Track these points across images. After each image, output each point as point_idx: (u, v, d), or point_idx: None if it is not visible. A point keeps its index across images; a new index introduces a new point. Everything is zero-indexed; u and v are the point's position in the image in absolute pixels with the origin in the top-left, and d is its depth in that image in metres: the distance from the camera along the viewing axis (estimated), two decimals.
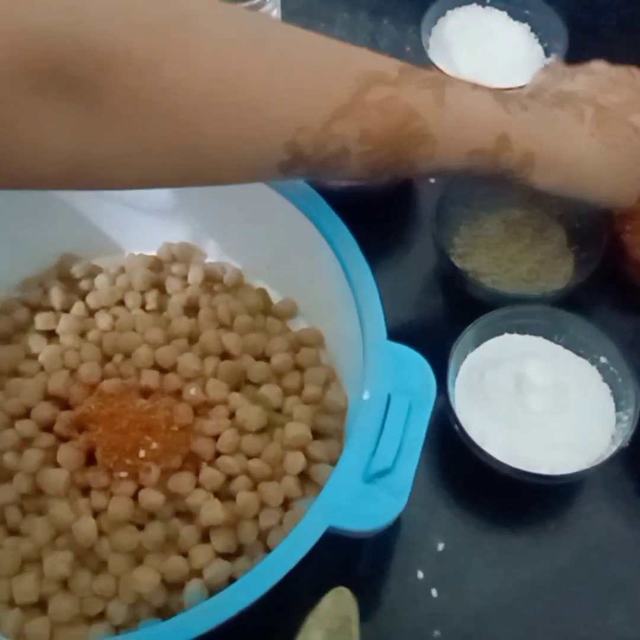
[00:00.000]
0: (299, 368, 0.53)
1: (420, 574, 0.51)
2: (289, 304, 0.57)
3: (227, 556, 0.47)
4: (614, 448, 0.49)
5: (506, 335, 0.55)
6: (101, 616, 0.45)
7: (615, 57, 0.52)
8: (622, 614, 0.50)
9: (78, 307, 0.56)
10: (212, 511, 0.46)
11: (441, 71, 0.65)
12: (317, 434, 0.50)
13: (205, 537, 0.47)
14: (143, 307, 0.56)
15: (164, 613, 0.46)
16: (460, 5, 0.70)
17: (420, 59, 0.66)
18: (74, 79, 0.30)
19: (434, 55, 0.66)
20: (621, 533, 0.52)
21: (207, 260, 0.59)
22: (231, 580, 0.45)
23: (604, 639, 0.49)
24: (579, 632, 0.49)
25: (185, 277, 0.58)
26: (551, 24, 0.67)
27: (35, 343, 0.54)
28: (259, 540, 0.47)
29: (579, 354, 0.54)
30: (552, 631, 0.49)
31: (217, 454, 0.49)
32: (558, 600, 0.50)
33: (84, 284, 0.58)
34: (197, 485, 0.47)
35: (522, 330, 0.55)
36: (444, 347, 0.52)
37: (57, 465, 0.48)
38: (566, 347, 0.54)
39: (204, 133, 0.34)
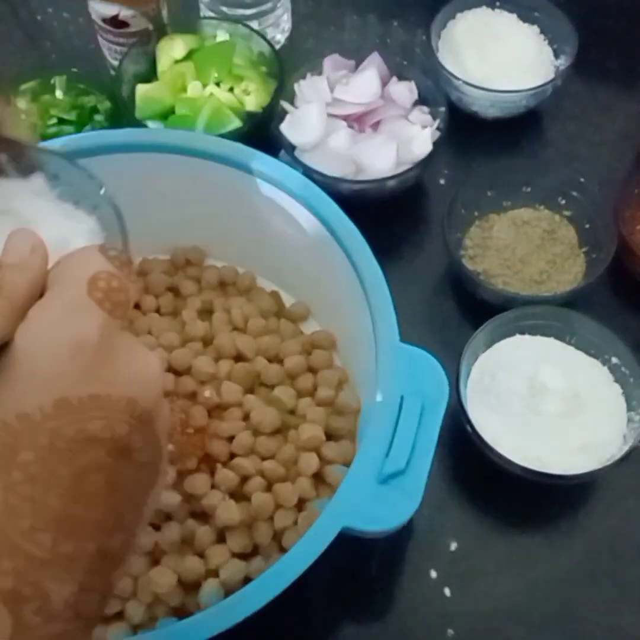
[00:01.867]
0: (312, 370, 0.54)
1: (433, 574, 0.51)
2: (301, 306, 0.58)
3: (242, 556, 0.47)
4: (626, 448, 0.50)
5: (517, 337, 0.55)
6: (119, 616, 0.46)
7: (624, 58, 0.52)
8: (635, 614, 0.50)
9: None
10: (228, 512, 0.46)
11: (451, 74, 0.65)
12: (330, 436, 0.50)
13: (221, 538, 0.48)
14: (158, 310, 0.57)
15: (180, 613, 0.46)
16: (469, 8, 0.70)
17: (429, 62, 0.67)
18: None
19: (443, 58, 0.67)
20: (633, 533, 0.53)
21: (221, 264, 0.60)
22: (247, 580, 0.46)
23: (616, 639, 0.50)
24: (591, 632, 0.50)
25: (199, 281, 0.58)
26: (560, 25, 0.67)
27: None
28: (274, 540, 0.48)
29: (590, 355, 0.54)
30: (565, 631, 0.50)
31: (232, 456, 0.49)
32: (570, 600, 0.50)
33: None
34: (213, 487, 0.48)
35: (533, 331, 0.55)
36: (456, 349, 0.52)
37: None
38: (577, 348, 0.55)
39: None
